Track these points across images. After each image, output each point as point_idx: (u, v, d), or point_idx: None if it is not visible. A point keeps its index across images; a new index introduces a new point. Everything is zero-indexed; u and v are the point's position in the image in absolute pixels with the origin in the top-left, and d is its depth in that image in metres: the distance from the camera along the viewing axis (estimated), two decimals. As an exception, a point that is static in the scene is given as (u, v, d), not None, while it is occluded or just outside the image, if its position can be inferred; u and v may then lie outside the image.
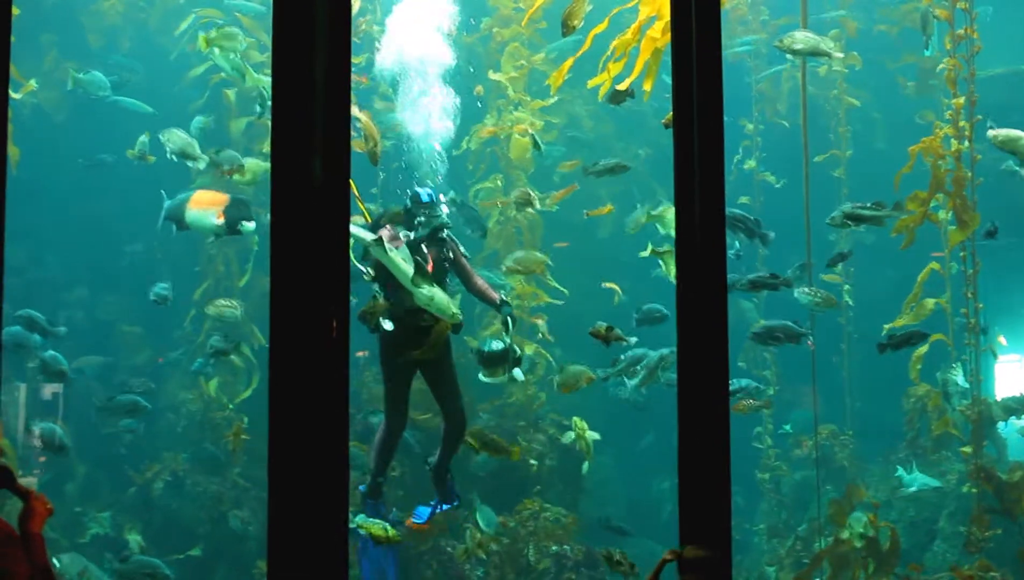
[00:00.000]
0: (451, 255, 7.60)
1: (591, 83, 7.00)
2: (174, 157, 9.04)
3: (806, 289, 8.61)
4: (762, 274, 8.67)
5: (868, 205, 8.49)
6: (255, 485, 10.90)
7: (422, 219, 7.37)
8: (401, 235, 7.40)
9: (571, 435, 8.89)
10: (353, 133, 9.11)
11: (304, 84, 2.20)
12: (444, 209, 7.62)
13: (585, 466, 8.52)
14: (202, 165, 9.23)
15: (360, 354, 10.39)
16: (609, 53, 6.72)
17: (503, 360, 7.48)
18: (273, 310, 2.18)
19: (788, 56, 8.00)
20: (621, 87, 7.00)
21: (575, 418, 8.56)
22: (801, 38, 8.03)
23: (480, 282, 7.81)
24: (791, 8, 11.70)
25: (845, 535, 8.30)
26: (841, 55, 8.11)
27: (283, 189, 2.21)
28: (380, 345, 7.60)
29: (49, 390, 12.10)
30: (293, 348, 2.17)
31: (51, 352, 9.82)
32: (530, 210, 9.93)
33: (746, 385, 9.12)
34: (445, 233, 7.49)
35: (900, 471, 9.64)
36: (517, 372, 7.72)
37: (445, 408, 7.79)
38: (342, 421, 2.24)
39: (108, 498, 11.47)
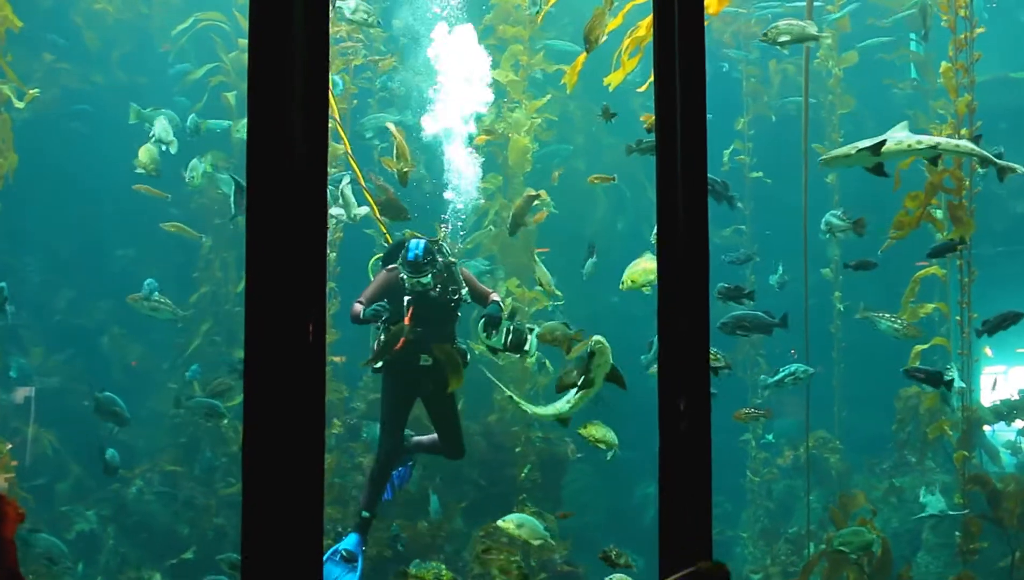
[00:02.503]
0: (459, 280, 7.63)
1: (606, 80, 6.85)
2: (154, 138, 9.56)
3: (888, 315, 8.36)
4: (728, 285, 8.49)
5: (839, 215, 9.06)
6: (236, 491, 10.73)
7: (408, 274, 7.35)
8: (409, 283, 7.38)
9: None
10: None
11: (281, 84, 2.17)
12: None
13: (610, 454, 8.07)
14: (173, 150, 9.64)
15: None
16: (621, 49, 6.58)
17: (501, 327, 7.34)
18: (248, 313, 2.14)
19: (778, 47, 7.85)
20: (642, 88, 6.83)
21: (588, 425, 8.10)
22: (785, 27, 7.88)
23: (478, 287, 7.87)
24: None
25: (837, 544, 8.11)
26: (828, 36, 7.94)
27: (258, 190, 2.15)
28: (384, 376, 7.61)
29: (21, 394, 11.96)
30: (268, 352, 2.13)
31: (106, 392, 9.86)
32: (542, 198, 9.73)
33: (794, 369, 8.85)
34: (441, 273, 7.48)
35: (923, 492, 9.39)
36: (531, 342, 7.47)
37: (445, 439, 7.82)
38: (318, 425, 2.19)
39: (96, 498, 11.33)
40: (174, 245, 11.45)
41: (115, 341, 13.08)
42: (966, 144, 6.74)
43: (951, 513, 8.62)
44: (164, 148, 9.56)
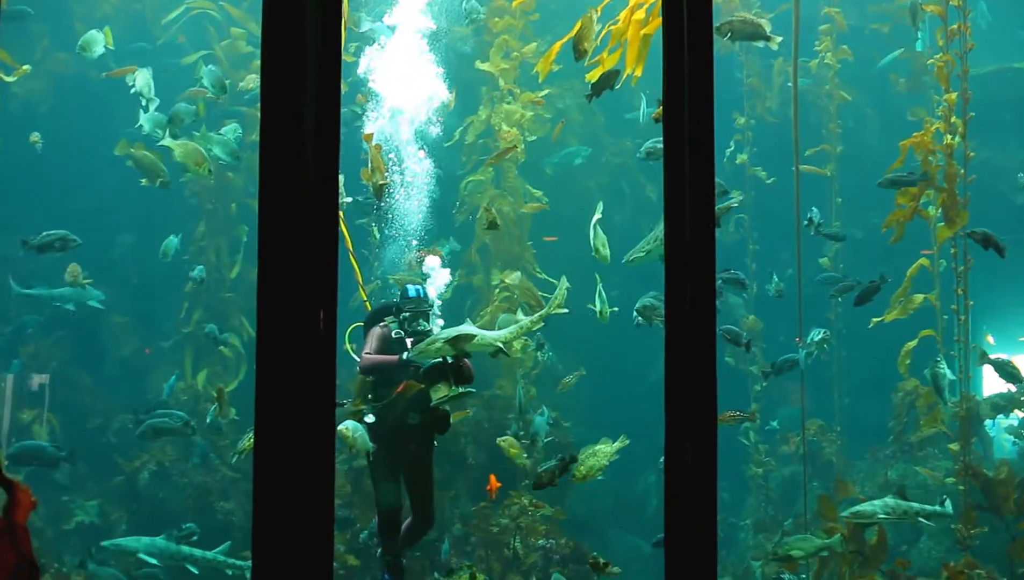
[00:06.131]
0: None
1: (589, 77, 6.82)
2: (135, 91, 9.22)
3: (1006, 358, 8.27)
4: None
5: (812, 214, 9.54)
6: (243, 476, 10.85)
7: (407, 315, 7.43)
8: (393, 333, 7.44)
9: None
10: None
11: (294, 74, 2.20)
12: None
13: (619, 442, 7.99)
14: (154, 106, 9.26)
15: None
16: (600, 42, 6.59)
17: (443, 374, 7.27)
18: (260, 302, 2.16)
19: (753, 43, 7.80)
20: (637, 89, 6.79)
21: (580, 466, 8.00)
22: (739, 24, 7.76)
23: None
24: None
25: (783, 550, 8.14)
26: (780, 38, 7.87)
27: (272, 175, 2.18)
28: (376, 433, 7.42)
29: (36, 381, 12.01)
30: (280, 340, 2.15)
31: (161, 412, 9.92)
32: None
33: (812, 334, 8.85)
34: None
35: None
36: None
37: (416, 506, 7.65)
38: (329, 412, 2.22)
39: (95, 488, 11.40)
40: (170, 233, 11.49)
41: (112, 328, 13.08)
42: None
43: (938, 510, 8.59)
44: (145, 104, 9.21)
